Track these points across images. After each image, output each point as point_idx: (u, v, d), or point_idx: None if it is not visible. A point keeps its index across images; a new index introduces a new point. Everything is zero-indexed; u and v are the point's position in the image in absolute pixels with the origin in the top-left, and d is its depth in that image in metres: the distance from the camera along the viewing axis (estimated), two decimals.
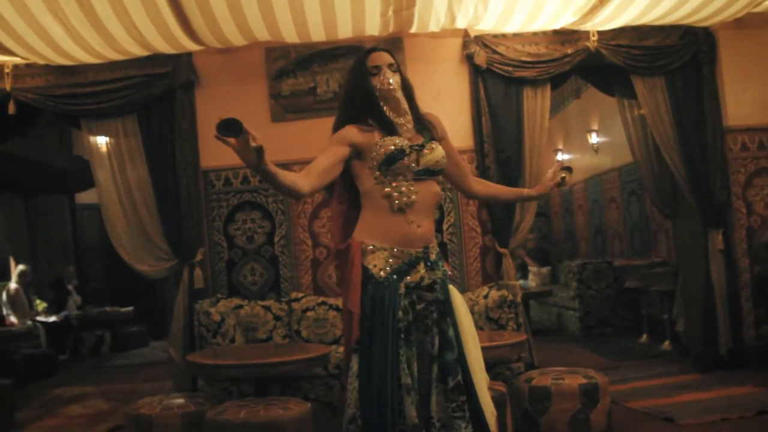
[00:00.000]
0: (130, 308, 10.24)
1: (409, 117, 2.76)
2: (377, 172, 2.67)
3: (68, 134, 10.42)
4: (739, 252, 5.85)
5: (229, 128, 2.27)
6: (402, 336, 2.57)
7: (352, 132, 2.73)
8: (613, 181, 9.08)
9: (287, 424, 3.71)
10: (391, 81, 2.72)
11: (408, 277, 2.63)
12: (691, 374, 5.67)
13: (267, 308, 5.47)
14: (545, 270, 9.66)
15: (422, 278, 2.65)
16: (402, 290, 2.62)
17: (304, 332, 5.41)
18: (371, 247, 2.66)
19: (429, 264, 2.68)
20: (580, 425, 4.05)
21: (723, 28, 5.86)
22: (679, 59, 5.86)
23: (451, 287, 2.75)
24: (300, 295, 5.58)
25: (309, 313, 5.45)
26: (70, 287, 10.04)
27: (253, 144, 2.30)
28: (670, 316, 6.81)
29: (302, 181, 2.61)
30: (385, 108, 2.74)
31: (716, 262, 5.79)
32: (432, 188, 2.72)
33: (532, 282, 9.50)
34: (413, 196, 2.64)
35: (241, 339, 5.24)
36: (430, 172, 2.69)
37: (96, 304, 10.39)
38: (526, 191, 3.18)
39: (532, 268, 9.78)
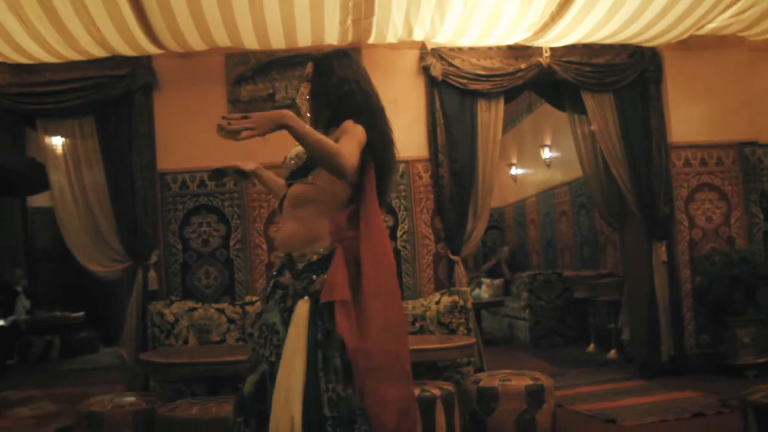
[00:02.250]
0: (81, 313, 10.10)
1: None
2: None
3: (22, 136, 10.25)
4: (681, 263, 6.07)
5: (220, 173, 2.60)
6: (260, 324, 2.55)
7: None
8: (564, 195, 9.32)
9: None
10: (297, 95, 2.80)
11: (281, 278, 2.51)
12: (634, 380, 5.87)
13: (221, 311, 5.48)
14: (498, 282, 9.84)
15: (287, 284, 2.48)
16: (270, 285, 2.55)
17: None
18: None
19: (293, 271, 2.49)
20: (525, 425, 4.17)
21: (669, 49, 6.12)
22: (627, 77, 6.09)
23: (299, 304, 2.42)
24: (254, 298, 5.61)
25: None
26: (18, 288, 9.87)
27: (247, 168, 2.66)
28: (616, 325, 7.02)
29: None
30: None
31: (660, 273, 6.00)
32: (292, 192, 2.56)
33: (484, 293, 9.67)
34: (278, 203, 2.65)
35: (195, 341, 5.25)
36: (292, 175, 2.58)
37: (47, 309, 10.22)
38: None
39: (485, 280, 9.97)
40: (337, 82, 2.60)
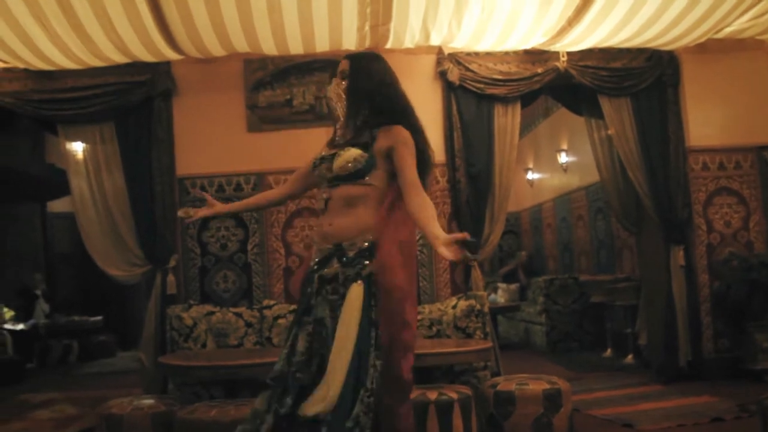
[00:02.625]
0: (99, 318, 10.20)
1: (341, 123, 2.88)
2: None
3: (42, 142, 10.40)
4: (699, 268, 6.04)
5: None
6: (301, 313, 2.76)
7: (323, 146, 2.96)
8: (581, 199, 9.29)
9: None
10: (328, 89, 2.92)
11: (325, 270, 2.72)
12: (652, 385, 5.84)
13: (239, 315, 5.52)
14: (514, 287, 9.83)
15: (336, 273, 2.69)
16: (315, 280, 2.73)
17: (275, 339, 5.46)
18: (312, 242, 2.88)
19: (344, 260, 2.70)
20: (542, 429, 4.17)
21: (686, 53, 6.10)
22: (644, 81, 6.08)
23: (352, 287, 2.65)
24: (272, 302, 5.64)
25: (280, 321, 5.51)
26: (37, 292, 9.98)
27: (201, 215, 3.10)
28: (633, 330, 6.99)
29: (275, 190, 3.02)
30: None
31: (677, 278, 5.98)
32: (343, 192, 2.75)
33: (500, 298, 9.67)
34: (323, 202, 2.81)
35: (213, 345, 5.29)
36: (340, 178, 2.76)
37: (65, 314, 10.33)
38: (436, 242, 2.47)
39: (501, 285, 9.97)
40: (378, 84, 2.81)
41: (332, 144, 2.89)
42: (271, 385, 2.71)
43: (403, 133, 2.74)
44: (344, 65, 2.87)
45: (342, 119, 2.86)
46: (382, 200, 2.75)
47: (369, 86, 2.80)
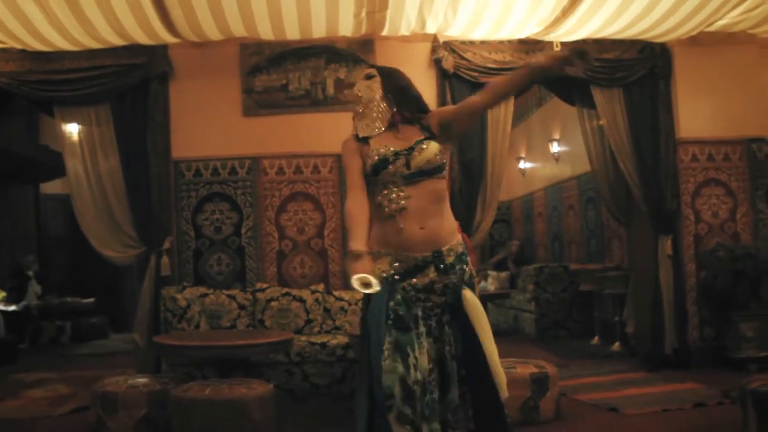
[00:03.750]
0: (92, 299, 10.23)
1: (381, 122, 2.79)
2: (372, 182, 2.74)
3: (36, 123, 10.40)
4: (686, 258, 6.14)
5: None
6: (391, 324, 2.56)
7: (353, 144, 2.83)
8: (572, 189, 9.38)
9: (251, 402, 3.86)
10: (359, 90, 2.87)
11: (414, 279, 2.63)
12: (638, 372, 5.94)
13: (232, 297, 5.60)
14: (504, 275, 9.92)
15: (432, 282, 2.63)
16: (400, 289, 2.62)
17: (268, 321, 5.55)
18: (378, 252, 2.68)
19: (441, 267, 2.64)
20: (529, 412, 4.28)
21: (678, 45, 6.18)
22: (636, 72, 6.15)
23: (464, 292, 2.65)
24: (264, 285, 5.73)
25: (273, 303, 5.59)
26: (30, 273, 10.00)
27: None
28: (620, 318, 7.09)
29: (361, 207, 2.71)
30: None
31: (665, 267, 6.07)
32: (429, 188, 2.66)
33: (491, 285, 9.75)
34: (403, 202, 2.64)
35: (206, 326, 5.37)
36: (424, 173, 2.66)
37: (58, 295, 10.36)
38: (532, 63, 2.80)
39: (492, 273, 10.05)
40: (408, 83, 2.88)
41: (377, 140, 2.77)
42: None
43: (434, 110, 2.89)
44: (370, 70, 2.91)
45: (379, 115, 2.79)
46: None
47: (403, 83, 2.86)
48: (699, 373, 5.68)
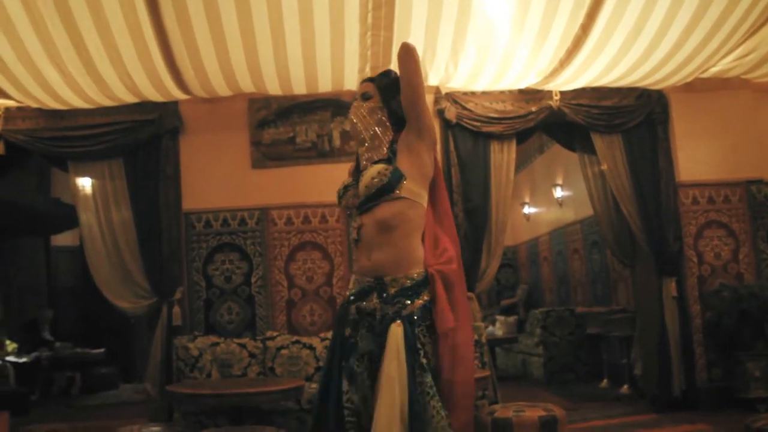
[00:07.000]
0: (101, 350, 10.27)
1: (367, 145, 2.68)
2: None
3: (47, 176, 10.58)
4: (691, 299, 6.20)
5: None
6: (345, 350, 2.55)
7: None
8: (576, 233, 9.47)
9: None
10: (354, 116, 2.72)
11: (363, 303, 2.55)
12: (647, 414, 5.96)
13: (242, 346, 5.67)
14: (512, 319, 9.95)
15: (374, 309, 2.51)
16: (353, 311, 2.57)
17: (278, 369, 5.60)
18: (352, 275, 2.68)
19: (383, 296, 2.50)
20: None
21: (675, 91, 6.33)
22: (635, 119, 6.30)
23: (392, 328, 2.42)
24: (275, 333, 5.80)
25: (283, 351, 5.65)
26: (45, 335, 10.06)
27: None
28: (628, 360, 7.11)
29: None
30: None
31: (670, 309, 6.12)
32: (377, 216, 2.52)
33: (498, 330, 9.78)
34: (355, 232, 2.59)
35: (217, 375, 5.43)
36: (369, 199, 2.54)
37: (70, 346, 10.39)
38: None
39: (499, 318, 10.09)
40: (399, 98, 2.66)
41: (356, 171, 2.72)
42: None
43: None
44: (368, 88, 2.72)
45: (368, 140, 2.67)
46: (419, 222, 2.55)
47: (383, 105, 2.69)
48: (708, 414, 5.70)
